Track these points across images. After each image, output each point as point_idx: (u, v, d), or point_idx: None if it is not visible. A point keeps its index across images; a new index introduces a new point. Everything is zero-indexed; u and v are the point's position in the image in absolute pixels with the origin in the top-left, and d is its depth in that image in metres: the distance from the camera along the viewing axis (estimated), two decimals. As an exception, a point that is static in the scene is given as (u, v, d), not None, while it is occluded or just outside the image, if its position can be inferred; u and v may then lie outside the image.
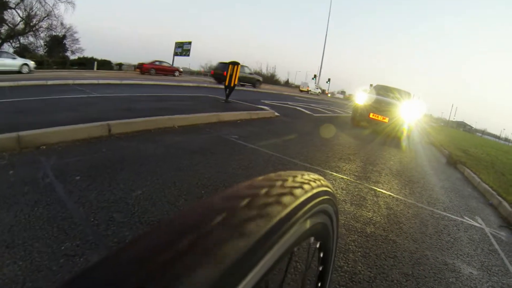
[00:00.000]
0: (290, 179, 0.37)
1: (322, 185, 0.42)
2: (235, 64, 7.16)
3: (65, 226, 1.56)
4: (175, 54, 28.37)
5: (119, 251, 0.21)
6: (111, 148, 2.99)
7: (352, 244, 1.95)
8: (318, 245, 0.50)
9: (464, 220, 2.91)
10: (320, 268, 0.57)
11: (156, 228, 0.24)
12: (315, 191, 0.38)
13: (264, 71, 50.92)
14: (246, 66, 17.30)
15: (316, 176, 0.43)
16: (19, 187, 1.93)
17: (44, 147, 2.77)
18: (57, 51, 30.79)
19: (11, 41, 27.83)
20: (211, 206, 0.28)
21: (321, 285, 0.59)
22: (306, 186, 0.37)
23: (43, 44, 30.19)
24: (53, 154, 2.63)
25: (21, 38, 28.58)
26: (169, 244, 0.22)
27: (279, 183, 0.35)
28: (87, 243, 1.45)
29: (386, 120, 7.03)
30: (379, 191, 3.11)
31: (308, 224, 0.35)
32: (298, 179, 0.38)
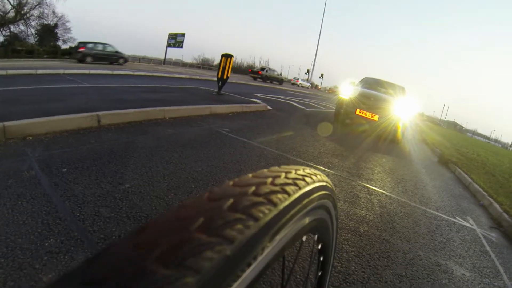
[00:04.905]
0: (288, 173, 0.37)
1: (321, 180, 0.42)
2: (228, 56, 7.07)
3: (49, 221, 1.49)
4: (168, 45, 28.11)
5: (131, 235, 0.22)
6: (100, 139, 2.89)
7: (346, 243, 1.93)
8: (315, 238, 0.50)
9: (456, 221, 2.92)
10: (320, 264, 0.58)
11: (170, 212, 0.25)
12: (312, 186, 0.38)
13: (257, 64, 50.58)
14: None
15: (314, 171, 0.43)
16: (2, 180, 1.83)
17: (30, 137, 2.67)
18: (48, 40, 30.02)
19: (1, 29, 26.96)
20: (219, 194, 0.29)
21: (321, 279, 0.60)
22: (303, 181, 0.37)
23: (34, 32, 29.36)
24: (39, 145, 2.53)
25: (12, 26, 27.70)
26: (180, 228, 0.23)
27: (280, 175, 0.36)
28: (72, 239, 1.38)
29: (376, 118, 6.05)
30: (372, 188, 3.10)
31: (306, 219, 0.35)
32: (295, 173, 0.38)
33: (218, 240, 0.22)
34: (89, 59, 15.73)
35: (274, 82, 24.74)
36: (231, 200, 0.27)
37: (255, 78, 24.92)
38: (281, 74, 28.06)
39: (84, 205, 1.69)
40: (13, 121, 2.69)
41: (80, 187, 1.89)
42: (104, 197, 1.81)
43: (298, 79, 35.11)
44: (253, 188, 0.30)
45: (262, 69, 26.13)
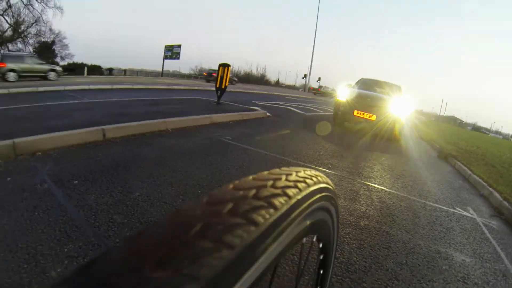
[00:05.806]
0: (289, 175, 0.38)
1: (321, 182, 0.42)
2: (225, 66, 7.20)
3: (66, 229, 1.59)
4: (165, 57, 28.38)
5: (127, 241, 0.22)
6: (107, 152, 3.00)
7: (347, 236, 2.01)
8: (315, 239, 0.49)
9: (456, 211, 2.99)
10: (320, 266, 0.58)
11: (168, 218, 0.25)
12: (313, 187, 0.38)
13: (254, 71, 51.05)
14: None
15: (314, 173, 0.43)
16: (17, 193, 1.94)
17: (40, 153, 2.78)
18: (46, 57, 30.43)
19: (-1, 48, 27.42)
20: (218, 198, 0.29)
21: (321, 281, 0.59)
22: (305, 182, 0.37)
23: (32, 50, 29.77)
24: (49, 160, 2.64)
25: (10, 45, 28.18)
26: (177, 234, 0.23)
27: (282, 177, 0.36)
28: (90, 244, 1.48)
29: (374, 117, 6.18)
30: (372, 185, 3.18)
31: (307, 221, 0.35)
32: (296, 175, 0.38)
33: (218, 246, 0.21)
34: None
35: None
36: (230, 204, 0.27)
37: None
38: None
39: (98, 213, 1.79)
40: (22, 137, 2.81)
41: (92, 197, 1.99)
42: (116, 205, 1.91)
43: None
44: (254, 191, 0.30)
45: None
